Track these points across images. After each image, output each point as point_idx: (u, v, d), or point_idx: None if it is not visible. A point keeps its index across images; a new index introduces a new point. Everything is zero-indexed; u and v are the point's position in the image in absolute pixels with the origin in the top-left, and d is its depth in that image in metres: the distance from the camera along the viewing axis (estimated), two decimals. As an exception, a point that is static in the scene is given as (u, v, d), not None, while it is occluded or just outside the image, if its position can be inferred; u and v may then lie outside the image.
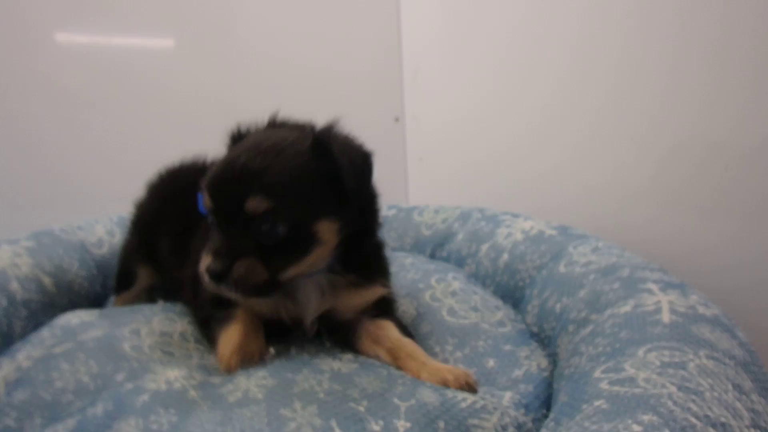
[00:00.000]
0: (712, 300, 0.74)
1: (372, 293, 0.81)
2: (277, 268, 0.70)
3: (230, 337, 0.72)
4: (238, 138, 0.82)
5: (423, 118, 1.88)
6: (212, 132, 1.72)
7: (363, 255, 0.81)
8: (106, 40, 1.66)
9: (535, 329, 0.92)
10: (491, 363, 0.79)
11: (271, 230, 0.68)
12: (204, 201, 0.72)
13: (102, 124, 1.65)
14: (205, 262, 0.68)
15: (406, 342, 0.76)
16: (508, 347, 0.82)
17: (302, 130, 0.79)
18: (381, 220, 0.84)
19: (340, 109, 1.83)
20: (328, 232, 0.72)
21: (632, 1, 1.17)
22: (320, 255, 0.73)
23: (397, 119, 1.91)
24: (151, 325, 0.79)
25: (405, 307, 0.93)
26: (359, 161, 0.75)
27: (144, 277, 1.05)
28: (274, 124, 0.83)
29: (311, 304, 0.78)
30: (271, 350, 0.73)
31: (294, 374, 0.65)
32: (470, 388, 0.67)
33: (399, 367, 0.72)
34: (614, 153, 1.25)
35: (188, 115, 1.72)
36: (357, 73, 1.88)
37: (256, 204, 0.67)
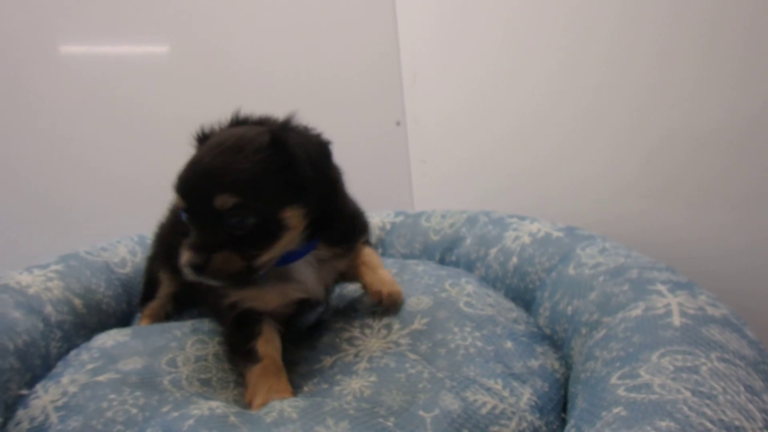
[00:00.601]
0: (719, 299, 0.76)
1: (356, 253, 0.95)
2: (251, 255, 0.77)
3: (259, 383, 0.77)
4: (203, 138, 0.87)
5: (424, 121, 1.91)
6: None
7: (339, 229, 0.90)
8: (109, 50, 1.69)
9: (548, 331, 0.94)
10: (509, 344, 0.82)
11: (240, 222, 0.75)
12: (176, 201, 0.79)
13: (111, 139, 1.68)
14: (185, 256, 0.74)
15: (367, 252, 0.94)
16: (524, 339, 0.85)
17: (263, 125, 0.85)
18: (346, 195, 0.94)
19: (343, 115, 1.89)
20: (294, 218, 0.79)
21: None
22: (290, 239, 0.81)
23: (398, 123, 1.93)
24: (185, 351, 0.82)
25: (422, 300, 0.95)
26: (314, 151, 0.81)
27: (166, 283, 1.11)
28: (236, 122, 0.89)
29: (311, 280, 0.88)
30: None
31: (322, 397, 0.68)
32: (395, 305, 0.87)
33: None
34: (603, 146, 1.28)
35: (193, 124, 1.75)
36: (357, 79, 1.91)
37: (223, 201, 0.73)
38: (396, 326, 0.88)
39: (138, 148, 1.69)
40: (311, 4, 1.85)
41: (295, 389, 0.78)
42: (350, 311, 0.98)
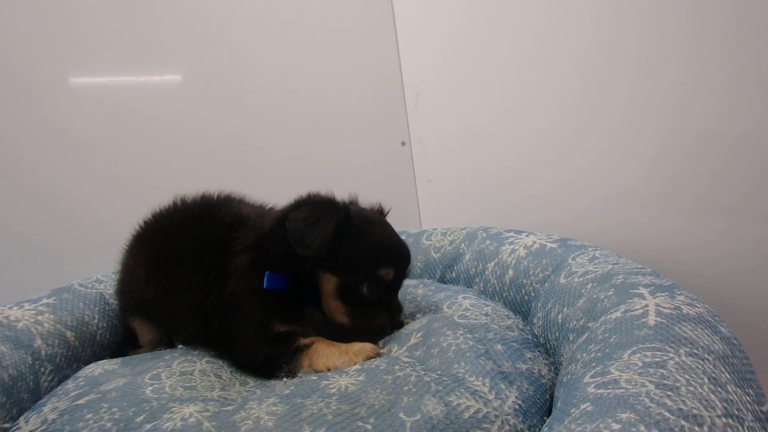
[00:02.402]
0: (698, 299, 0.78)
1: None
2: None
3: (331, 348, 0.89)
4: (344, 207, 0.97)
5: (427, 141, 1.95)
6: (225, 165, 1.80)
7: None
8: (118, 80, 1.77)
9: (542, 340, 0.96)
10: (499, 347, 0.84)
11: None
12: (386, 274, 0.94)
13: (116, 168, 1.76)
14: (385, 319, 0.96)
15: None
16: (515, 345, 0.87)
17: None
18: None
19: (350, 137, 1.95)
20: None
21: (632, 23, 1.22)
22: None
23: (403, 143, 1.98)
24: (171, 368, 0.86)
25: (417, 320, 0.99)
26: None
27: (145, 330, 1.12)
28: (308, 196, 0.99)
29: None
30: None
31: (303, 399, 0.71)
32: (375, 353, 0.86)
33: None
34: (600, 155, 1.31)
35: (200, 149, 1.83)
36: (362, 101, 1.98)
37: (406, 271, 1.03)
38: (395, 348, 0.91)
39: (148, 178, 1.76)
40: (316, 32, 1.93)
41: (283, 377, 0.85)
42: None
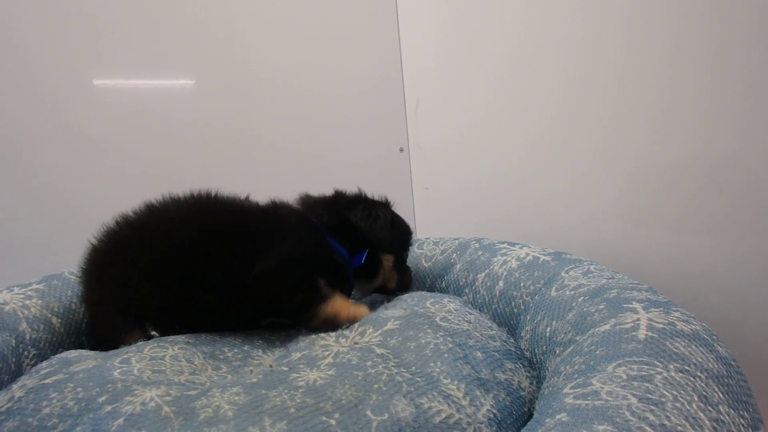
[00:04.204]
0: (695, 317, 0.73)
1: None
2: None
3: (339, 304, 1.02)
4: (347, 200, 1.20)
5: (426, 148, 1.93)
6: (227, 164, 1.79)
7: None
8: (136, 83, 1.79)
9: (528, 354, 0.91)
10: (479, 354, 0.79)
11: None
12: (411, 248, 1.31)
13: (130, 167, 1.76)
14: (408, 280, 1.25)
15: None
16: (496, 354, 0.82)
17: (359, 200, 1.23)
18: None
19: (348, 142, 1.93)
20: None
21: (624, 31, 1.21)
22: None
23: (401, 149, 1.96)
24: (142, 353, 0.82)
25: (398, 312, 0.95)
26: None
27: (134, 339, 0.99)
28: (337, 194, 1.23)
29: None
30: None
31: (268, 390, 0.66)
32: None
33: None
34: (582, 172, 1.31)
35: (210, 149, 1.84)
36: (362, 106, 1.97)
37: None
38: (369, 330, 0.89)
39: (147, 176, 1.75)
40: (320, 35, 1.93)
41: (257, 365, 0.83)
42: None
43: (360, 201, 1.18)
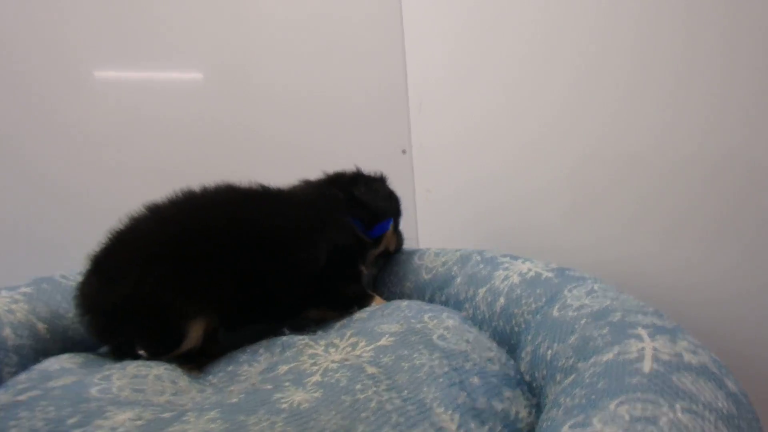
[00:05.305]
0: (704, 346, 0.69)
1: None
2: None
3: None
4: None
5: (429, 149, 1.89)
6: (230, 160, 1.77)
7: None
8: (139, 75, 1.76)
9: (528, 378, 0.87)
10: (476, 380, 0.76)
11: None
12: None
13: (130, 162, 1.74)
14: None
15: None
16: (494, 380, 0.79)
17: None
18: None
19: (350, 141, 1.90)
20: None
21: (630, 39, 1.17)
22: None
23: (404, 151, 1.92)
24: (124, 370, 0.79)
25: (395, 326, 0.92)
26: None
27: (197, 326, 0.94)
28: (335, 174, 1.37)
29: None
30: None
31: (247, 416, 0.63)
32: None
33: None
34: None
35: (212, 146, 1.82)
36: (365, 106, 1.94)
37: None
38: (362, 344, 0.86)
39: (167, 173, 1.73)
40: (325, 33, 1.91)
41: (242, 382, 0.81)
42: (320, 333, 0.97)
43: (360, 177, 1.32)
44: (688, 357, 0.64)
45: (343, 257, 1.15)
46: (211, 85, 1.83)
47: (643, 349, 0.67)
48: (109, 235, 0.97)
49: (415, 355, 0.78)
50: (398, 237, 1.41)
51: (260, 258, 1.01)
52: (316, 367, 0.77)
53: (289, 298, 1.08)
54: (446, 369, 0.74)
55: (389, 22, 1.93)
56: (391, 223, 1.33)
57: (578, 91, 1.30)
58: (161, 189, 1.63)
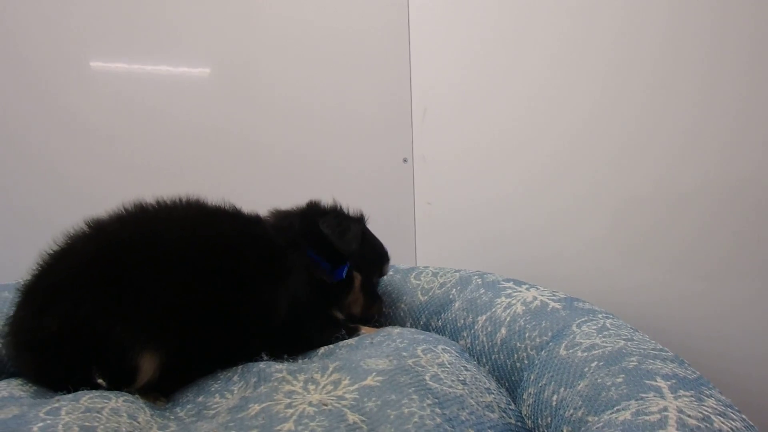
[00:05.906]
0: (732, 404, 0.60)
1: None
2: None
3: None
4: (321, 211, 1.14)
5: (431, 159, 1.82)
6: (229, 165, 1.69)
7: None
8: (140, 68, 1.70)
9: (530, 423, 0.78)
10: None
11: None
12: (386, 270, 1.21)
13: (125, 158, 1.68)
14: (378, 309, 1.18)
15: None
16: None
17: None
18: None
19: (352, 149, 1.83)
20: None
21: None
22: None
23: (405, 160, 1.85)
24: (77, 403, 0.70)
25: (383, 361, 0.82)
26: None
27: (148, 364, 0.82)
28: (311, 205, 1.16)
29: None
30: None
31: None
32: None
33: None
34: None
35: (212, 149, 1.77)
36: (368, 112, 1.88)
37: None
38: (345, 382, 0.76)
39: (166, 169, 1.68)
40: (327, 42, 1.85)
41: (210, 418, 0.73)
42: (300, 362, 0.88)
43: (332, 211, 1.13)
44: (718, 423, 0.55)
45: (303, 308, 1.00)
46: (215, 85, 1.78)
47: (665, 409, 0.58)
48: (42, 259, 0.85)
49: (404, 401, 0.68)
50: (371, 300, 1.16)
51: (212, 292, 0.89)
52: (290, 410, 0.68)
53: (250, 342, 0.94)
54: (438, 420, 0.65)
55: (394, 27, 1.87)
56: (347, 269, 1.09)
57: (593, 102, 1.23)
58: (160, 186, 1.55)
